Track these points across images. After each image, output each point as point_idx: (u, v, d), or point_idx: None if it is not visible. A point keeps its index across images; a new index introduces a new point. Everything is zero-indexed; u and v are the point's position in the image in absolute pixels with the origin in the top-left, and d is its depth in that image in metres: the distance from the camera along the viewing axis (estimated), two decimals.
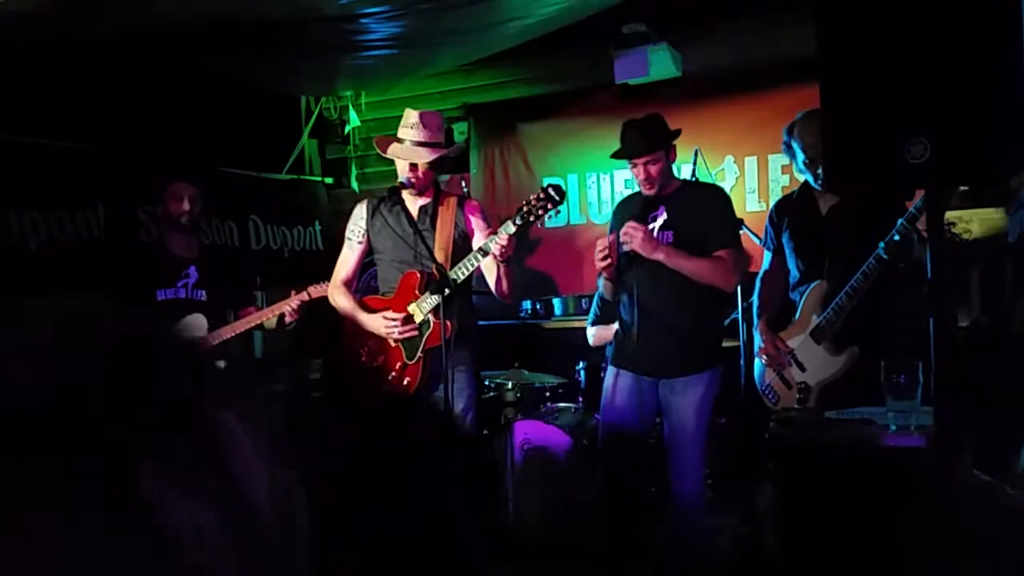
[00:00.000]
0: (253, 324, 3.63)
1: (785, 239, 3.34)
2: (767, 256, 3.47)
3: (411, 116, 3.24)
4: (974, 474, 2.53)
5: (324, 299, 3.51)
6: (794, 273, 3.32)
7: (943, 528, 2.10)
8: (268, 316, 3.61)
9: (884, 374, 2.35)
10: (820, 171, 3.10)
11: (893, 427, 2.29)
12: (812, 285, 3.17)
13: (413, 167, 3.18)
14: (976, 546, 2.18)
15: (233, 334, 3.63)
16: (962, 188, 3.18)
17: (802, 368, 3.16)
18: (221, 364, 3.59)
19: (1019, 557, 2.20)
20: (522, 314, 5.24)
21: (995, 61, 1.90)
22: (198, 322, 3.61)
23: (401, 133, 3.24)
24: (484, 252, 3.04)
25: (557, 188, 3.02)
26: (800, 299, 3.22)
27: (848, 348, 3.05)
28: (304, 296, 3.58)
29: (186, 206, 3.62)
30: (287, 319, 3.60)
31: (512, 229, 2.99)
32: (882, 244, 2.89)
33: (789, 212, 3.35)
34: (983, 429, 2.91)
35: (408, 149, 3.20)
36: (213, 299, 3.69)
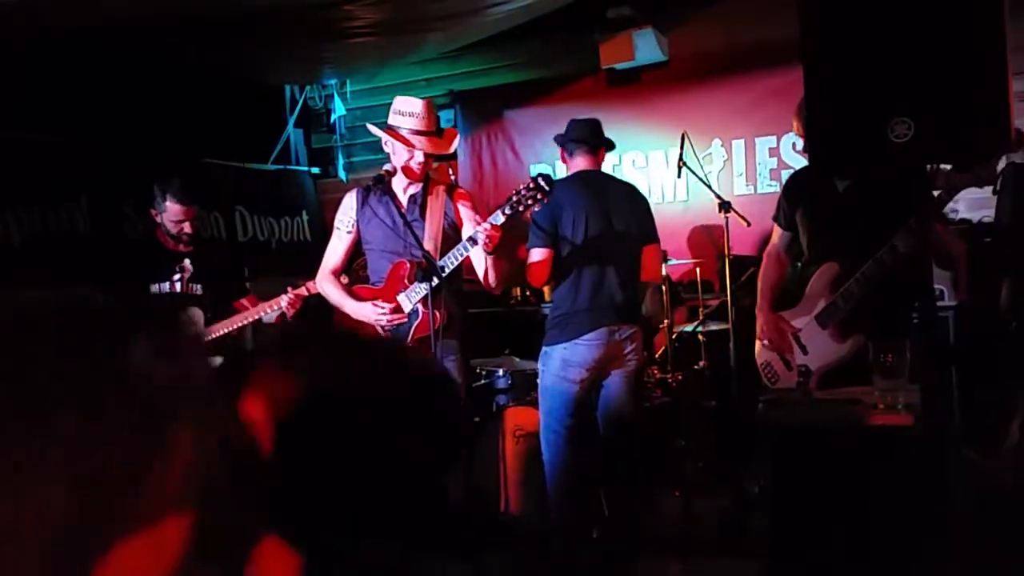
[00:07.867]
0: (252, 319, 3.59)
1: (799, 216, 3.15)
2: (776, 231, 3.29)
3: (414, 104, 3.16)
4: (961, 451, 2.55)
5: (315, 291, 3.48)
6: (806, 252, 3.16)
7: (931, 505, 2.12)
8: (266, 311, 3.57)
9: (872, 353, 2.35)
10: None
11: (880, 405, 2.31)
12: (822, 266, 3.01)
13: (427, 157, 3.16)
14: (963, 522, 2.21)
15: (231, 328, 3.60)
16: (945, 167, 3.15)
17: (804, 351, 3.05)
18: (218, 360, 3.56)
19: (1005, 533, 2.23)
20: (513, 301, 5.24)
21: (977, 40, 1.90)
22: (196, 316, 3.58)
23: (398, 121, 3.17)
24: (473, 242, 3.02)
25: (547, 178, 2.99)
26: (809, 279, 3.07)
27: (854, 336, 2.90)
28: (303, 291, 3.51)
29: (187, 228, 3.64)
30: (286, 314, 3.56)
31: (501, 219, 2.97)
32: (897, 237, 2.73)
33: (804, 188, 3.16)
34: (970, 407, 2.93)
35: (433, 141, 3.15)
36: (208, 293, 3.66)
